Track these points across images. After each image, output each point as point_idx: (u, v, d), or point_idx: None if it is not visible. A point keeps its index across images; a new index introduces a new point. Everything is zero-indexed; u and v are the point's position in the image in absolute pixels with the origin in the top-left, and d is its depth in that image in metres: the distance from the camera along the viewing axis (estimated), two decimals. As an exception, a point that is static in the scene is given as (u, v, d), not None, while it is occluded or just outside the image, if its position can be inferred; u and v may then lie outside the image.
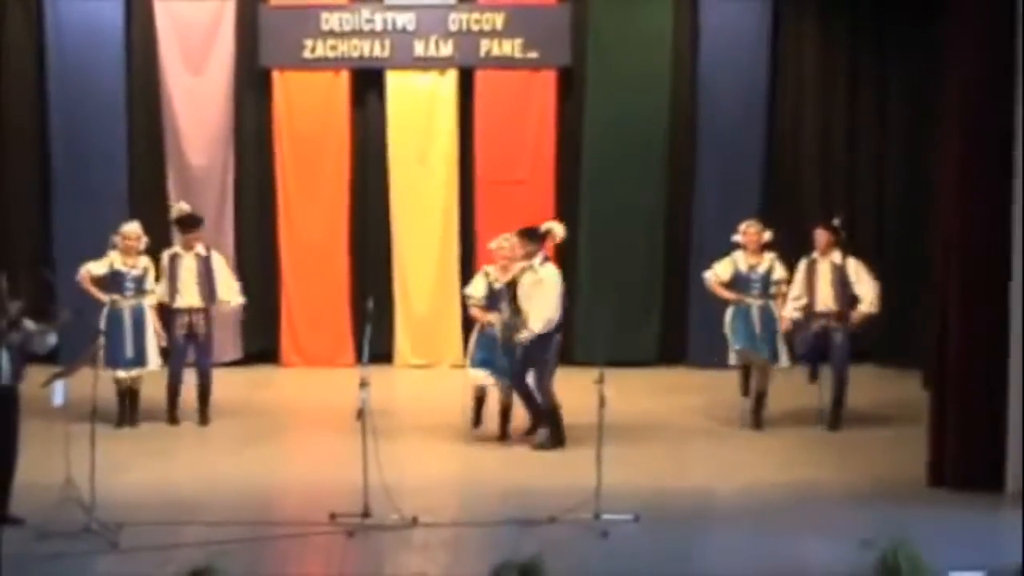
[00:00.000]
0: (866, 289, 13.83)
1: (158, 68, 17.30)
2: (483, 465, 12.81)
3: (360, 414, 10.83)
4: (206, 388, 14.05)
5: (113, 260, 13.86)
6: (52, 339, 11.03)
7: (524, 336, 13.04)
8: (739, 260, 14.09)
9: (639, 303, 16.88)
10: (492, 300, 13.51)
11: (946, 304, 11.89)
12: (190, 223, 14.17)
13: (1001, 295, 11.63)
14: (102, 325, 13.33)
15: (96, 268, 13.89)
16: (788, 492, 11.87)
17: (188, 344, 14.01)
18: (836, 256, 13.84)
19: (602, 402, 11.01)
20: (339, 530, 10.58)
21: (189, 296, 13.93)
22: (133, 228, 14.02)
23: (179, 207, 14.48)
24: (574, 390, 14.27)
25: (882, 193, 17.47)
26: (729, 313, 14.03)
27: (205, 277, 13.96)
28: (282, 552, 10.31)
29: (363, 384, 10.91)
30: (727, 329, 14.03)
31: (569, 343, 17.28)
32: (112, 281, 13.82)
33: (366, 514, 10.72)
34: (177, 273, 13.92)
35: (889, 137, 17.60)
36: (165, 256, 14.11)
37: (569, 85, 17.60)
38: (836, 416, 13.83)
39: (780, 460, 12.87)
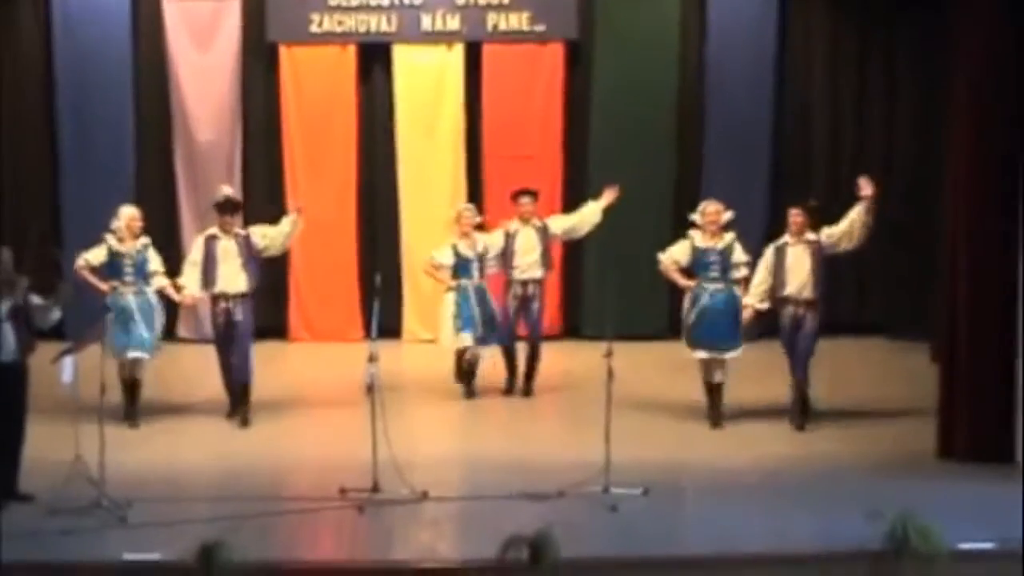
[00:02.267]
0: (849, 218, 13.05)
1: (165, 45, 17.28)
2: (492, 439, 12.84)
3: (369, 389, 10.84)
4: (247, 390, 13.37)
5: (111, 244, 13.33)
6: (56, 314, 11.03)
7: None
8: (696, 239, 13.36)
9: (647, 276, 16.78)
10: (463, 266, 14.20)
11: (956, 276, 11.88)
12: (231, 207, 13.60)
13: (1011, 266, 11.62)
14: (106, 314, 12.68)
15: (94, 257, 13.32)
16: (797, 465, 11.87)
17: (228, 332, 13.34)
18: (810, 235, 13.06)
19: (611, 376, 11.01)
20: (349, 505, 10.60)
21: (228, 282, 13.30)
22: (131, 211, 13.47)
23: (221, 190, 14.08)
24: (582, 364, 14.33)
25: (892, 166, 17.41)
26: (688, 300, 13.36)
27: (248, 259, 13.36)
28: (292, 527, 10.33)
29: (372, 359, 10.92)
30: (689, 321, 13.29)
31: (577, 317, 17.43)
32: (111, 266, 13.29)
33: (376, 489, 10.74)
34: (215, 256, 13.32)
35: (899, 109, 17.55)
36: (200, 239, 13.58)
37: (576, 58, 17.57)
38: (803, 416, 13.08)
39: (788, 433, 12.87)
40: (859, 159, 17.52)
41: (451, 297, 14.23)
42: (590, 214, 14.59)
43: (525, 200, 14.42)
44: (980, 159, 11.73)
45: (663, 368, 15.05)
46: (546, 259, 14.45)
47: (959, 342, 11.83)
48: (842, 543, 9.59)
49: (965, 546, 9.53)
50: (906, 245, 17.01)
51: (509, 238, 14.32)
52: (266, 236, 13.56)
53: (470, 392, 14.30)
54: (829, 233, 13.08)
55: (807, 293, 13.04)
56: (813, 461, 11.97)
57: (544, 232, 14.40)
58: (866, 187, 12.96)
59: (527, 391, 14.43)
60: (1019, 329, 11.60)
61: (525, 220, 14.37)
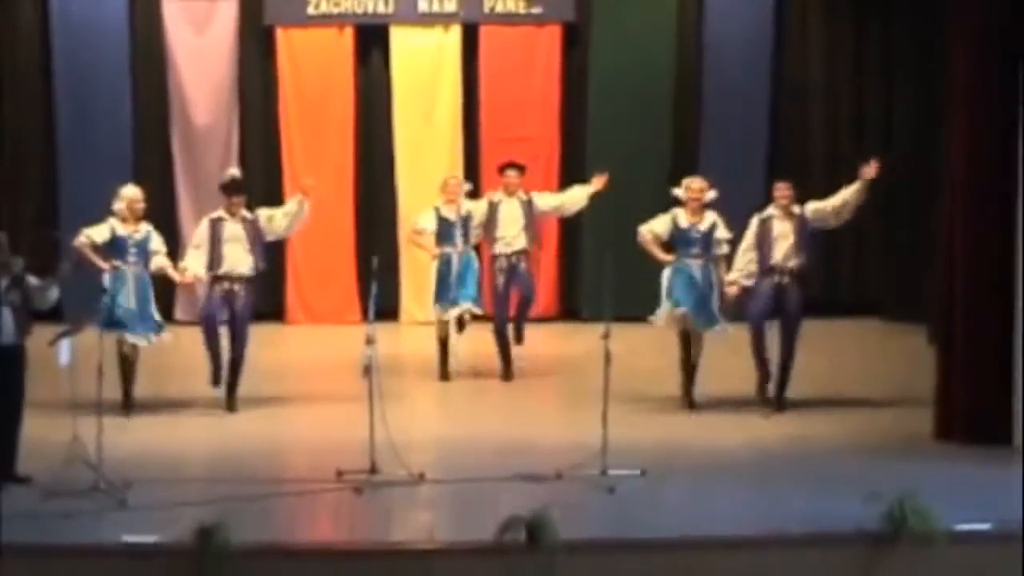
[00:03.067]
0: (841, 196, 12.97)
1: (162, 27, 17.28)
2: (489, 421, 12.83)
3: (366, 371, 10.82)
4: (238, 367, 13.15)
5: (114, 226, 13.03)
6: (54, 294, 10.99)
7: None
8: (679, 217, 13.23)
9: (645, 258, 16.84)
10: (447, 232, 14.18)
11: (952, 257, 11.87)
12: (236, 188, 13.29)
13: (1008, 245, 11.60)
14: (105, 287, 12.65)
15: (96, 234, 13.01)
16: (795, 447, 11.87)
17: (223, 313, 13.06)
18: (795, 208, 13.00)
19: (608, 358, 10.99)
20: (346, 487, 10.59)
21: (233, 263, 13.02)
22: (133, 191, 13.19)
23: (229, 172, 13.84)
24: (580, 346, 14.32)
25: (889, 146, 17.42)
26: (667, 272, 13.24)
27: (255, 242, 13.08)
28: (290, 509, 10.32)
29: (369, 341, 10.91)
30: (664, 290, 13.22)
31: (574, 299, 17.45)
32: (114, 247, 13.00)
33: (373, 471, 10.73)
34: (220, 238, 13.03)
35: (897, 89, 17.56)
36: (205, 222, 13.24)
37: (574, 40, 17.60)
38: (781, 396, 13.01)
39: (786, 415, 12.86)
40: (857, 140, 17.53)
41: (434, 266, 14.24)
42: (576, 197, 14.61)
43: (511, 173, 14.40)
44: (977, 141, 11.71)
45: (661, 350, 15.02)
46: (531, 233, 14.36)
47: (956, 324, 11.81)
48: (840, 525, 9.59)
49: (963, 528, 9.53)
50: (903, 226, 17.01)
51: (492, 207, 14.29)
52: (272, 219, 13.30)
53: (445, 373, 14.30)
54: (815, 208, 13.03)
55: (792, 262, 12.96)
56: (811, 443, 11.97)
57: (529, 206, 14.34)
58: (869, 171, 12.90)
59: (518, 339, 14.35)
60: (1017, 310, 11.59)
61: (510, 192, 14.34)
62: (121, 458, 10.81)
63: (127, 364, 13.03)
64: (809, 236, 13.07)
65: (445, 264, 14.18)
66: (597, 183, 14.41)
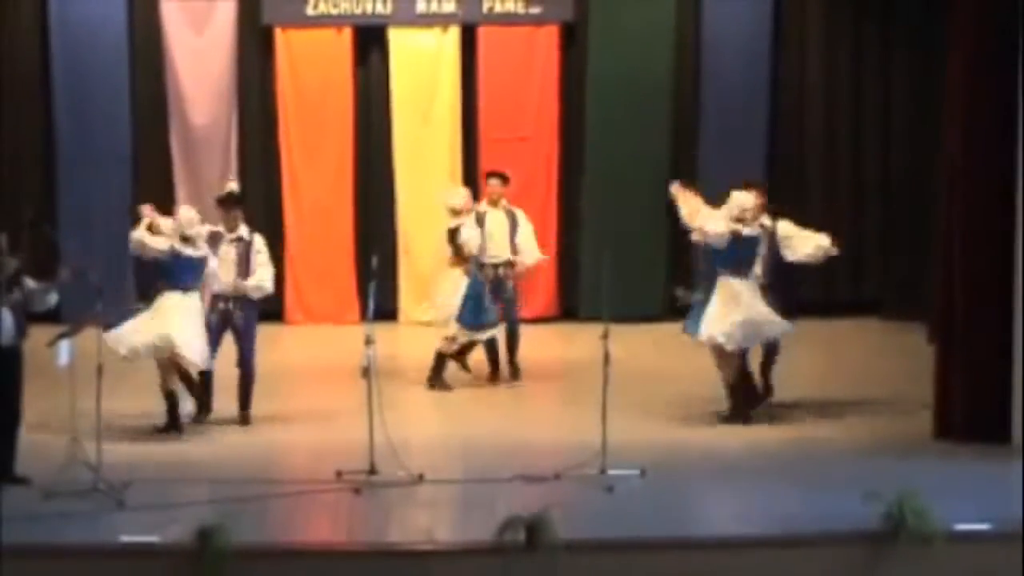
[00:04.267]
0: (805, 240, 12.61)
1: (160, 27, 17.26)
2: (488, 422, 12.83)
3: (365, 371, 10.83)
4: (248, 383, 12.85)
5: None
6: (53, 297, 11.00)
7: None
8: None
9: (644, 258, 16.89)
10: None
11: (951, 255, 11.87)
12: (233, 201, 13.03)
13: (1008, 243, 11.60)
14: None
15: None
16: (793, 446, 11.88)
17: (222, 331, 12.79)
18: (765, 220, 12.63)
19: (607, 358, 10.99)
20: (346, 487, 10.60)
21: (225, 283, 12.72)
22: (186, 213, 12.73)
23: (228, 186, 13.57)
24: (579, 346, 14.31)
25: (888, 143, 17.42)
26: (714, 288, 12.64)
27: (244, 266, 12.76)
28: (289, 510, 10.33)
29: (368, 341, 10.91)
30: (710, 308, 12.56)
31: (573, 299, 17.44)
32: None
33: (372, 471, 10.73)
34: (217, 255, 12.70)
35: (896, 90, 17.52)
36: (204, 228, 12.81)
37: (572, 40, 17.56)
38: (766, 380, 12.89)
39: (786, 414, 12.86)
40: (855, 133, 17.52)
41: (468, 283, 13.77)
42: (532, 251, 14.37)
43: (494, 182, 14.33)
44: (976, 139, 11.72)
45: (660, 350, 15.05)
46: (515, 244, 14.20)
47: (955, 322, 11.82)
48: (839, 525, 9.60)
49: (962, 527, 9.53)
50: (902, 226, 17.01)
51: (479, 219, 14.09)
52: (259, 252, 12.89)
53: (445, 385, 13.93)
54: (786, 233, 12.69)
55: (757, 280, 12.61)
56: (810, 443, 11.97)
57: (512, 217, 14.24)
58: (830, 250, 12.65)
59: (514, 374, 14.25)
60: (1017, 309, 11.59)
61: (494, 202, 14.25)
62: (120, 459, 10.82)
63: (187, 379, 12.67)
64: (776, 253, 12.73)
65: (479, 285, 13.81)
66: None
